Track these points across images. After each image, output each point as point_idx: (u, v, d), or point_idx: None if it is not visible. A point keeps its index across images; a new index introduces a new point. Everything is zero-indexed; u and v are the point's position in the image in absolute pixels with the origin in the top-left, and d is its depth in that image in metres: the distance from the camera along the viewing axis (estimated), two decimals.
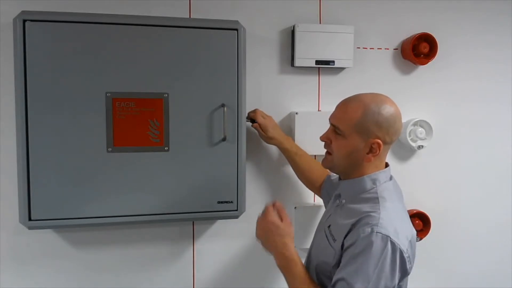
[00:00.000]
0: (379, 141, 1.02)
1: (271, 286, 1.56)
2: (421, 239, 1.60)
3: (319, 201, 1.48)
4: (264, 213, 1.09)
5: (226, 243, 1.53)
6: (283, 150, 1.41)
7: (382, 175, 1.07)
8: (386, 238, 0.93)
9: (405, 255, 0.95)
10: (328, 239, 1.05)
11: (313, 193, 1.54)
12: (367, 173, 1.06)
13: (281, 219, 1.08)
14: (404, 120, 1.60)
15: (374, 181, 1.06)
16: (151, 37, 1.26)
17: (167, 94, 1.29)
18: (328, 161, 1.11)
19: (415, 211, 1.60)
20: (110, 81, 1.25)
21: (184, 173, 1.32)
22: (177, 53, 1.28)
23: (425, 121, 1.57)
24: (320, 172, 1.38)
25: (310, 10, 1.52)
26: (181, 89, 1.29)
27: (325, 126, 1.12)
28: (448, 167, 1.66)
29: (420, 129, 1.56)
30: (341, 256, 0.98)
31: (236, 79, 1.32)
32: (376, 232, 0.93)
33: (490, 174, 1.70)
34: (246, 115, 1.38)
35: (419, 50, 1.54)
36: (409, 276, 1.02)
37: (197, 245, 1.51)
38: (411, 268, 0.99)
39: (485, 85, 1.67)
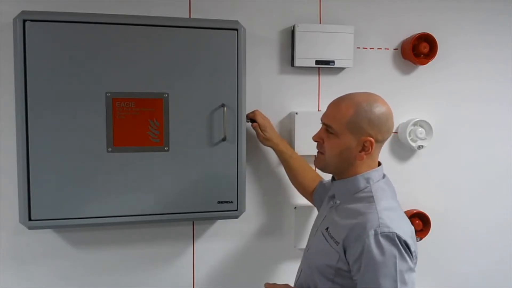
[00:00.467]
0: (371, 139, 1.03)
1: None
2: (421, 239, 1.60)
3: None
4: None
5: (226, 243, 1.53)
6: (278, 152, 1.41)
7: (375, 173, 1.08)
8: (392, 235, 0.94)
9: (412, 249, 0.97)
10: (328, 242, 1.05)
11: None
12: (360, 172, 1.07)
13: None
14: (404, 120, 1.61)
15: (367, 180, 1.06)
16: (151, 37, 1.26)
17: (167, 94, 1.29)
18: (320, 160, 1.11)
19: (415, 211, 1.60)
20: (110, 81, 1.25)
21: (184, 173, 1.32)
22: (177, 53, 1.28)
23: (425, 121, 1.57)
24: (313, 178, 1.39)
25: (310, 10, 1.52)
26: (181, 89, 1.29)
27: None
28: (448, 167, 1.66)
29: (420, 129, 1.56)
30: (345, 259, 0.98)
31: (236, 79, 1.32)
32: (381, 233, 0.94)
33: (490, 174, 1.70)
34: (246, 115, 1.38)
35: (419, 50, 1.54)
36: None
37: (197, 245, 1.51)
38: (415, 264, 0.99)
39: (485, 85, 1.67)
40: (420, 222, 1.60)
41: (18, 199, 1.23)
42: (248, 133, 1.40)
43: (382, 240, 0.93)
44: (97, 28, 1.23)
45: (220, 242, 1.52)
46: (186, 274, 1.51)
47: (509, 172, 1.72)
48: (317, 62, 1.48)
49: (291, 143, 1.51)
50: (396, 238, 0.94)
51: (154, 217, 1.31)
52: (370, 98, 1.05)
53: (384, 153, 1.60)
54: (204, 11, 1.43)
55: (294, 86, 1.53)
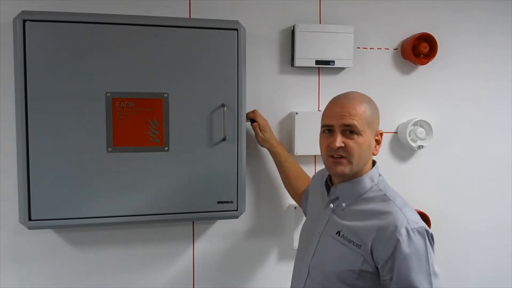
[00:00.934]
0: (381, 131, 1.09)
1: (271, 286, 1.56)
2: None
3: None
4: None
5: (226, 243, 1.53)
6: (274, 154, 1.41)
7: (376, 171, 1.10)
8: (422, 229, 0.97)
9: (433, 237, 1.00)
10: (347, 246, 1.02)
11: None
12: (364, 170, 1.08)
13: None
14: (404, 120, 1.61)
15: (372, 179, 1.07)
16: (151, 37, 1.26)
17: (167, 94, 1.29)
18: (344, 165, 1.04)
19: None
20: (110, 81, 1.25)
21: (184, 173, 1.32)
22: (177, 53, 1.28)
23: (425, 121, 1.57)
24: (305, 181, 1.39)
25: (310, 10, 1.52)
26: (181, 89, 1.29)
27: None
28: (448, 167, 1.66)
29: (420, 129, 1.56)
30: (372, 260, 0.98)
31: (236, 79, 1.32)
32: (412, 229, 0.96)
33: (490, 174, 1.70)
34: (246, 114, 1.38)
35: (419, 50, 1.54)
36: None
37: (197, 245, 1.51)
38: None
39: (485, 85, 1.67)
40: None
41: (18, 199, 1.23)
42: (248, 133, 1.40)
43: (414, 236, 0.95)
44: (97, 28, 1.23)
45: (220, 242, 1.52)
46: (186, 274, 1.51)
47: (509, 172, 1.72)
48: (317, 62, 1.48)
49: (291, 143, 1.51)
50: (425, 232, 0.97)
51: (154, 217, 1.31)
52: (365, 95, 1.10)
53: (384, 153, 1.61)
54: (204, 11, 1.43)
55: (294, 86, 1.53)
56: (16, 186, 1.24)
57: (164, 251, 1.48)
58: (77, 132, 1.24)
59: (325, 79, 1.55)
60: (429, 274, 0.94)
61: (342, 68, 1.54)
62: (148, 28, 1.26)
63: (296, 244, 1.53)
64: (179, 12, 1.42)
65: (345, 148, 1.03)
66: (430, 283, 0.93)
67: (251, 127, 1.42)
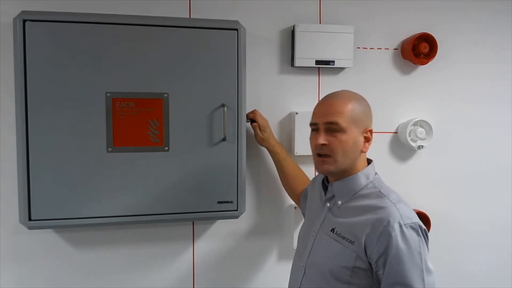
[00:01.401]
0: (371, 128, 1.08)
1: (271, 286, 1.56)
2: None
3: None
4: None
5: (226, 243, 1.53)
6: (273, 153, 1.41)
7: (371, 169, 1.10)
8: (415, 225, 0.97)
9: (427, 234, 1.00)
10: (341, 243, 1.03)
11: None
12: (358, 168, 1.08)
13: None
14: (404, 120, 1.61)
15: (367, 176, 1.08)
16: (151, 37, 1.26)
17: (167, 94, 1.29)
18: (329, 163, 1.05)
19: (415, 211, 1.60)
20: (110, 81, 1.25)
21: (184, 173, 1.32)
22: (177, 53, 1.28)
23: (425, 121, 1.57)
24: (304, 182, 1.40)
25: (310, 10, 1.52)
26: (181, 89, 1.29)
27: None
28: (448, 167, 1.66)
29: (420, 129, 1.56)
30: (366, 256, 0.98)
31: (236, 79, 1.32)
32: (405, 224, 0.96)
33: (490, 174, 1.70)
34: (246, 115, 1.38)
35: (419, 50, 1.54)
36: None
37: (197, 245, 1.51)
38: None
39: (485, 85, 1.67)
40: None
41: (18, 199, 1.23)
42: (248, 133, 1.40)
43: (407, 231, 0.95)
44: (97, 28, 1.23)
45: (220, 242, 1.52)
46: (186, 274, 1.51)
47: (509, 172, 1.72)
48: (317, 62, 1.48)
49: (291, 143, 1.51)
50: (419, 228, 0.97)
51: (154, 217, 1.31)
52: (355, 93, 1.10)
53: (384, 153, 1.61)
54: (204, 11, 1.43)
55: (294, 86, 1.53)
56: (16, 186, 1.24)
57: (164, 251, 1.48)
58: (77, 132, 1.24)
59: (325, 79, 1.55)
60: (422, 271, 0.94)
61: (342, 68, 1.54)
62: (148, 28, 1.26)
63: (296, 244, 1.53)
64: (179, 12, 1.42)
65: (328, 146, 1.04)
66: (422, 279, 0.94)
67: (251, 127, 1.42)
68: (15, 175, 1.24)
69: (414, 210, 1.57)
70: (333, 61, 1.49)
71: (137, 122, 1.27)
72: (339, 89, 1.13)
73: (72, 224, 1.27)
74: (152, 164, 1.29)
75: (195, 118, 1.31)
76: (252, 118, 1.40)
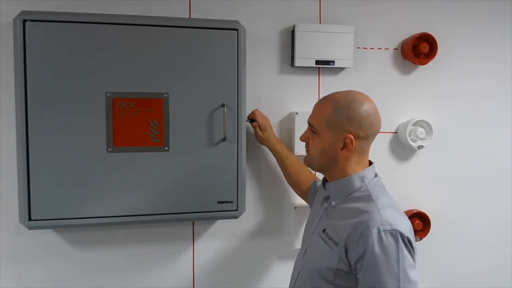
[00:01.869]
0: (350, 136, 1.03)
1: (271, 286, 1.56)
2: (421, 239, 1.60)
3: None
4: None
5: (226, 243, 1.53)
6: (275, 152, 1.41)
7: (368, 172, 1.08)
8: (395, 232, 0.94)
9: (413, 245, 0.97)
10: (327, 244, 1.04)
11: None
12: (349, 171, 1.07)
13: None
14: (404, 120, 1.61)
15: (362, 179, 1.06)
16: (151, 37, 1.26)
17: (167, 94, 1.29)
18: (306, 158, 1.14)
19: (415, 211, 1.60)
20: (110, 81, 1.25)
21: (184, 173, 1.32)
22: (177, 53, 1.28)
23: (425, 121, 1.57)
24: (308, 177, 1.39)
25: (310, 10, 1.52)
26: (181, 89, 1.29)
27: None
28: (448, 167, 1.66)
29: (420, 129, 1.56)
30: (347, 259, 0.98)
31: (236, 79, 1.32)
32: (384, 231, 0.94)
33: (490, 174, 1.70)
34: (246, 115, 1.38)
35: (419, 50, 1.54)
36: None
37: (197, 245, 1.51)
38: (414, 261, 0.99)
39: (485, 85, 1.67)
40: (420, 222, 1.60)
41: (18, 199, 1.23)
42: (248, 133, 1.40)
43: (385, 237, 0.93)
44: (97, 28, 1.23)
45: (220, 242, 1.52)
46: (186, 274, 1.51)
47: (509, 172, 1.72)
48: (317, 62, 1.48)
49: (291, 143, 1.51)
50: (399, 235, 0.94)
51: (154, 217, 1.31)
52: (349, 95, 1.06)
53: (384, 153, 1.61)
54: (204, 11, 1.43)
55: (294, 86, 1.53)
56: (16, 186, 1.24)
57: (164, 251, 1.48)
58: (77, 132, 1.24)
59: (325, 79, 1.55)
60: (399, 279, 0.92)
61: (342, 68, 1.54)
62: (148, 28, 1.26)
63: (296, 244, 1.54)
64: (179, 12, 1.42)
65: (308, 143, 1.12)
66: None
67: (251, 126, 1.42)
68: (15, 175, 1.24)
69: (414, 210, 1.60)
70: (333, 61, 1.49)
71: (137, 122, 1.27)
72: (339, 90, 1.12)
73: (72, 224, 1.27)
74: (152, 164, 1.29)
75: (195, 118, 1.31)
76: (252, 118, 1.40)
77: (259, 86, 1.50)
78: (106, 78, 1.25)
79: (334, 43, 1.48)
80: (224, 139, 1.32)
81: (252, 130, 1.42)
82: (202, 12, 1.43)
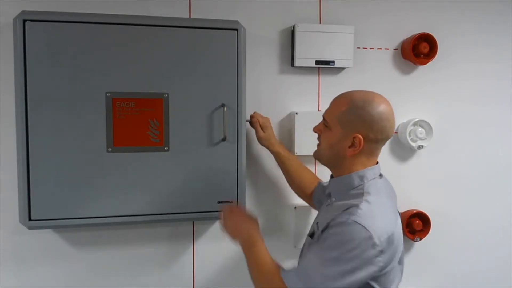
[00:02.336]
0: (360, 136, 1.02)
1: None
2: (421, 239, 1.60)
3: None
4: (232, 209, 1.19)
5: (226, 243, 1.52)
6: (275, 153, 1.40)
7: (370, 172, 1.07)
8: (361, 228, 0.92)
9: (377, 248, 0.93)
10: (313, 238, 1.07)
11: None
12: (354, 170, 1.07)
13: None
14: (404, 120, 1.61)
15: (361, 178, 1.06)
16: (151, 37, 1.26)
17: (167, 94, 1.29)
18: (316, 151, 1.15)
19: (415, 211, 1.60)
20: (110, 81, 1.25)
21: (184, 173, 1.32)
22: (177, 53, 1.28)
23: (425, 121, 1.57)
24: (311, 179, 1.39)
25: (310, 10, 1.52)
26: (181, 89, 1.29)
27: None
28: (448, 167, 1.66)
29: (420, 129, 1.56)
30: None
31: (236, 79, 1.32)
32: (353, 221, 0.93)
33: (490, 174, 1.70)
34: (246, 115, 1.38)
35: (419, 50, 1.54)
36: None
37: (197, 245, 1.51)
38: (386, 264, 0.96)
39: (485, 85, 1.67)
40: (420, 222, 1.60)
41: (18, 199, 1.23)
42: (248, 133, 1.40)
43: (348, 224, 0.93)
44: (97, 28, 1.23)
45: (220, 242, 1.52)
46: (186, 274, 1.51)
47: (509, 172, 1.72)
48: (317, 62, 1.48)
49: (291, 143, 1.51)
50: (364, 233, 0.92)
51: (154, 217, 1.31)
52: (367, 96, 1.05)
53: (384, 153, 1.60)
54: (204, 11, 1.43)
55: (294, 86, 1.53)
56: (16, 186, 1.24)
57: (164, 251, 1.48)
58: (77, 132, 1.24)
59: (325, 79, 1.55)
60: (322, 264, 0.93)
61: (342, 68, 1.54)
62: (148, 28, 1.26)
63: (296, 244, 1.53)
64: (179, 12, 1.42)
65: (319, 136, 1.13)
66: (318, 272, 0.93)
67: (251, 127, 1.41)
68: (15, 175, 1.24)
69: (414, 210, 1.60)
70: (333, 61, 1.49)
71: (137, 122, 1.27)
72: (343, 90, 1.12)
73: (72, 224, 1.27)
74: (152, 164, 1.29)
75: (195, 118, 1.31)
76: (252, 118, 1.40)
77: (259, 86, 1.50)
78: (106, 78, 1.25)
79: (334, 43, 1.48)
80: (224, 139, 1.32)
81: (252, 130, 1.42)
82: (202, 12, 1.43)
